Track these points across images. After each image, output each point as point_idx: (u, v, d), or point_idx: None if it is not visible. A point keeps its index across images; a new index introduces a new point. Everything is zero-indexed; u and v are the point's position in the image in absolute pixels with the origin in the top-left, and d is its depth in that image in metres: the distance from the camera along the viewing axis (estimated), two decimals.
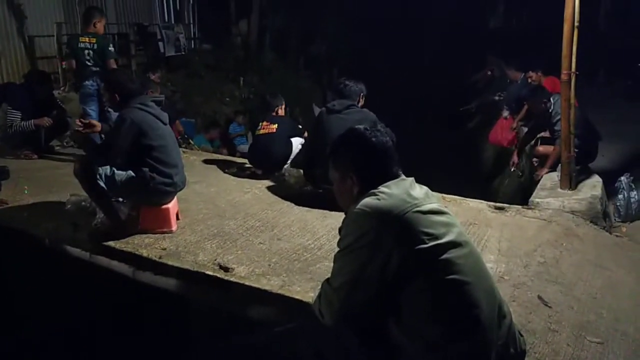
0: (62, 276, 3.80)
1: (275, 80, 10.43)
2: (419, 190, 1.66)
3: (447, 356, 1.45)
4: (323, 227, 3.71)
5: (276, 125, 4.83)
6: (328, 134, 3.99)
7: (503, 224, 3.80)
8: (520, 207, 4.22)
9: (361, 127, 1.75)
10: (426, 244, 1.51)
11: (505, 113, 7.28)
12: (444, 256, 1.51)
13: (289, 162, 4.87)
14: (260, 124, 4.92)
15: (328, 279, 1.66)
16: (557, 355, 2.35)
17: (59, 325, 3.72)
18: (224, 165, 5.28)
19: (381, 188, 1.61)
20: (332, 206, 4.00)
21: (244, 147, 7.69)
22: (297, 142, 4.88)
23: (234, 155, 6.77)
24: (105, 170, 3.29)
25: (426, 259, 1.51)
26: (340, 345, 1.57)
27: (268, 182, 4.69)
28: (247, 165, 5.16)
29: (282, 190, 4.47)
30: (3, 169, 4.24)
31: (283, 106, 5.07)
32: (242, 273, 3.00)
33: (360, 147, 1.71)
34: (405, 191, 1.61)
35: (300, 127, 5.03)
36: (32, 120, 5.01)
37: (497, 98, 8.54)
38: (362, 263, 1.54)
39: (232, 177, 4.92)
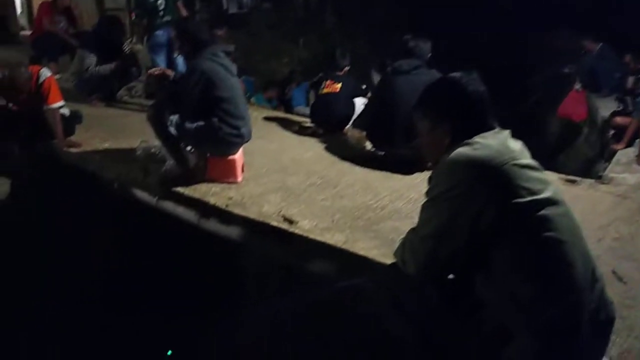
0: (128, 220, 3.95)
1: (333, 43, 10.27)
2: (515, 144, 1.58)
3: (537, 316, 1.40)
4: (385, 188, 3.67)
5: (340, 84, 4.76)
6: (394, 95, 3.91)
7: (575, 196, 3.64)
8: (593, 181, 4.04)
9: (456, 74, 1.67)
10: (524, 198, 1.44)
11: (578, 86, 6.94)
12: (541, 212, 1.45)
13: (351, 122, 4.82)
14: (324, 82, 4.86)
15: (414, 228, 1.62)
16: (632, 330, 2.27)
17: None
18: (285, 123, 5.28)
19: (476, 138, 1.54)
20: (394, 168, 3.97)
21: (301, 109, 7.67)
22: (359, 103, 4.80)
23: None
24: (176, 117, 3.35)
25: (523, 214, 1.44)
26: (422, 297, 1.55)
27: (329, 142, 4.66)
28: (308, 124, 5.14)
29: (343, 150, 4.43)
30: (76, 113, 4.40)
31: (348, 68, 4.99)
32: (306, 227, 3.02)
33: (454, 95, 1.64)
34: (503, 143, 1.54)
35: (363, 87, 4.94)
36: (105, 65, 5.14)
37: (567, 70, 8.13)
38: (452, 214, 1.49)
39: (294, 135, 4.92)
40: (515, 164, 1.49)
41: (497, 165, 1.47)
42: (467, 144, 1.53)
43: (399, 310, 1.60)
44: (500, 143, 1.54)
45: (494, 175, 1.47)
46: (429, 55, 4.08)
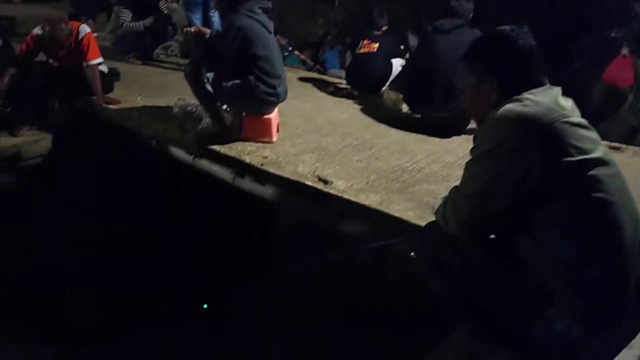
0: (165, 177, 4.02)
1: (369, 4, 10.02)
2: (566, 102, 1.52)
3: (582, 278, 1.37)
4: (422, 151, 3.62)
5: (377, 44, 4.66)
6: (433, 56, 3.80)
7: (619, 164, 3.51)
8: (637, 148, 3.88)
9: (506, 27, 1.59)
10: (573, 157, 1.39)
11: (625, 51, 6.60)
12: (591, 172, 1.40)
13: (387, 83, 4.73)
14: (361, 42, 4.76)
15: (456, 186, 1.59)
16: None
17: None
18: (320, 84, 5.23)
19: (526, 95, 1.48)
20: (431, 131, 3.90)
21: (335, 72, 7.57)
22: (397, 64, 4.70)
23: None
24: (213, 75, 3.35)
25: (572, 173, 1.39)
26: (463, 256, 1.53)
27: (365, 103, 4.60)
28: (343, 86, 5.08)
29: (379, 112, 4.37)
30: (114, 70, 4.44)
31: (386, 27, 4.87)
32: (341, 187, 3.01)
33: (503, 49, 1.57)
34: (553, 100, 1.48)
35: (402, 47, 4.82)
36: (141, 22, 5.16)
37: (614, 35, 7.74)
38: (498, 172, 1.44)
39: (329, 96, 4.87)
40: (566, 122, 1.43)
41: (548, 122, 1.42)
42: (516, 100, 1.48)
43: (438, 269, 1.59)
44: (550, 100, 1.48)
45: (544, 133, 1.41)
46: (471, 14, 3.93)
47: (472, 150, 1.56)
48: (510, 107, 1.47)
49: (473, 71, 1.62)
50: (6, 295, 3.35)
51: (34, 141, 3.87)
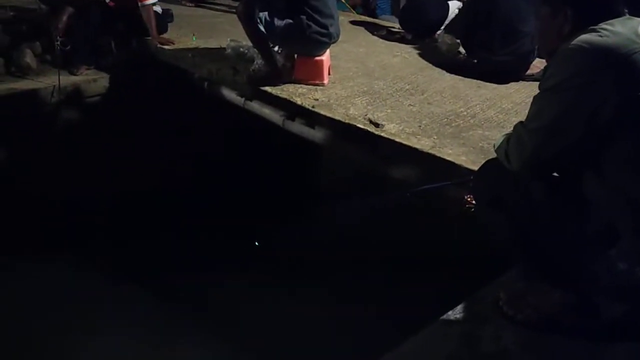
0: (218, 117, 4.08)
1: None
2: None
3: None
4: (477, 97, 3.51)
5: None
6: None
7: None
8: None
9: None
10: None
11: None
12: None
13: (443, 27, 4.55)
14: None
15: (521, 121, 1.53)
16: None
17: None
18: (371, 28, 5.11)
19: (603, 25, 1.39)
20: (487, 77, 3.77)
21: (387, 17, 7.34)
22: (454, 6, 4.50)
23: None
24: (265, 15, 3.30)
25: None
26: (524, 193, 1.49)
27: (419, 48, 4.47)
28: (395, 29, 4.94)
29: (433, 57, 4.25)
30: (168, 11, 4.46)
31: None
32: (392, 130, 2.97)
33: None
34: (634, 31, 1.38)
35: None
36: None
37: None
38: (569, 106, 1.38)
39: (380, 40, 4.76)
40: None
41: (626, 53, 1.33)
42: (592, 31, 1.39)
43: (496, 207, 1.56)
44: (630, 30, 1.38)
45: (622, 64, 1.33)
46: None
47: (540, 85, 1.49)
48: (585, 37, 1.38)
49: (547, 1, 1.53)
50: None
51: (92, 80, 3.97)
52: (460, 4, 4.52)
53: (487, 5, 3.70)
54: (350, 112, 3.18)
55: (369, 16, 7.79)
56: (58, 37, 3.80)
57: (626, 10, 1.45)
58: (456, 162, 2.66)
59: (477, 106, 3.36)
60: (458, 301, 1.67)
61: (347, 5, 7.84)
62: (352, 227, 3.32)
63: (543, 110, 1.44)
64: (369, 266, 3.32)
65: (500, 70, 3.68)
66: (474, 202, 1.79)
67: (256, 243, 2.90)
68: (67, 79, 3.85)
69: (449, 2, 4.49)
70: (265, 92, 3.43)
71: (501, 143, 1.58)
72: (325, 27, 3.35)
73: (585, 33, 1.40)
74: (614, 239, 1.36)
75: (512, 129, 1.58)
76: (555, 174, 1.52)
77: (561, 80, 1.40)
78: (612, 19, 1.41)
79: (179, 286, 3.44)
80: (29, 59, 3.87)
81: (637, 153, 1.33)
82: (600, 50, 1.35)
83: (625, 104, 1.32)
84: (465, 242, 2.56)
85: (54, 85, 3.73)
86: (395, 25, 5.02)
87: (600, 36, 1.37)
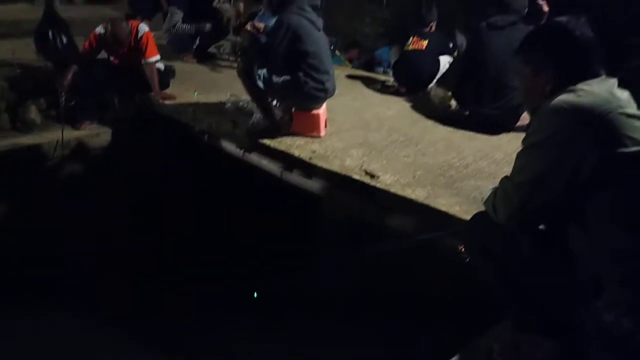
0: (217, 169, 4.16)
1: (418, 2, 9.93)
2: (622, 93, 1.51)
3: (633, 269, 1.36)
4: (469, 148, 3.60)
5: (426, 41, 4.65)
6: (486, 52, 3.78)
7: None
8: None
9: (563, 18, 1.60)
10: (629, 148, 1.39)
11: None
12: None
13: (435, 80, 4.71)
14: (411, 38, 4.76)
15: (507, 175, 1.61)
16: None
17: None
18: (367, 81, 5.28)
19: (581, 85, 1.48)
20: (479, 128, 3.87)
21: (378, 69, 7.57)
22: (445, 61, 4.68)
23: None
24: (264, 71, 3.44)
25: (626, 165, 1.39)
26: (511, 245, 1.54)
27: (412, 100, 4.61)
28: (390, 83, 5.10)
29: (426, 109, 4.38)
30: (171, 67, 4.63)
31: (435, 22, 4.85)
32: (388, 181, 3.05)
33: (560, 39, 1.57)
34: (609, 91, 1.47)
35: (451, 45, 4.79)
36: (193, 24, 5.34)
37: None
38: (551, 162, 1.46)
39: (376, 93, 4.91)
40: (621, 113, 1.43)
41: (602, 113, 1.42)
42: (571, 91, 1.48)
43: (486, 259, 1.61)
44: (606, 91, 1.48)
45: (599, 123, 1.42)
46: (526, 10, 3.88)
47: (524, 140, 1.57)
48: (564, 97, 1.48)
49: (529, 61, 1.64)
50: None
51: (95, 134, 4.09)
52: (450, 59, 4.69)
53: (476, 61, 3.85)
54: (347, 163, 3.26)
55: (365, 70, 8.05)
56: (63, 94, 3.93)
57: (602, 71, 1.55)
58: (450, 212, 2.72)
59: (470, 157, 3.45)
60: (453, 352, 1.69)
61: (344, 59, 8.14)
62: (349, 277, 3.35)
63: (527, 166, 1.52)
64: (365, 316, 3.32)
65: (491, 122, 3.79)
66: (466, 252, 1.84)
67: (254, 294, 2.91)
68: (70, 134, 3.96)
69: (440, 57, 4.66)
70: (264, 144, 3.53)
71: (489, 196, 1.65)
72: (321, 82, 3.48)
73: (564, 93, 1.49)
74: (600, 290, 1.40)
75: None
76: (541, 227, 1.58)
77: (543, 137, 1.48)
78: (590, 79, 1.51)
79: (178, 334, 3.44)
80: (34, 114, 3.99)
81: (617, 207, 1.39)
82: (578, 110, 1.44)
83: (605, 161, 1.39)
84: (460, 292, 2.58)
85: (57, 140, 3.82)
86: (389, 78, 5.19)
87: (578, 96, 1.46)
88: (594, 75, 1.52)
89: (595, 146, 1.41)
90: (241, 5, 5.49)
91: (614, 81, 1.53)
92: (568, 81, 1.51)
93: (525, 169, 1.52)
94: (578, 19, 1.57)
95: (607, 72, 1.55)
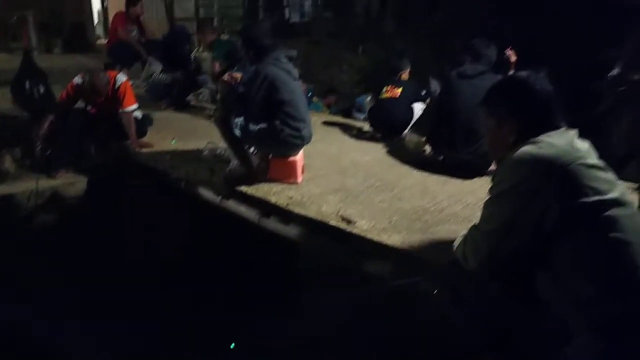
0: (195, 217, 4.13)
1: (393, 50, 10.27)
2: (582, 144, 1.58)
3: (599, 316, 1.39)
4: (443, 192, 3.67)
5: (400, 89, 4.80)
6: (457, 100, 3.91)
7: None
8: None
9: (524, 73, 1.69)
10: (590, 197, 1.44)
11: None
12: (607, 213, 1.44)
13: (409, 127, 4.83)
14: (385, 87, 4.91)
15: (475, 224, 1.65)
16: None
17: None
18: (343, 128, 5.38)
19: (542, 137, 1.55)
20: (453, 173, 3.96)
21: (359, 115, 7.74)
22: (418, 108, 4.82)
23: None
24: (241, 120, 3.50)
25: (588, 214, 1.44)
26: (481, 292, 1.57)
27: (388, 146, 4.70)
28: (366, 129, 5.21)
29: (401, 155, 4.47)
30: (148, 116, 4.67)
31: (408, 70, 5.02)
32: (364, 227, 3.07)
33: (521, 93, 1.65)
34: (569, 142, 1.54)
35: (424, 92, 4.95)
36: (170, 74, 5.43)
37: (638, 77, 7.73)
38: (515, 211, 1.50)
39: (352, 139, 5.01)
40: (581, 164, 1.49)
41: (563, 164, 1.48)
42: (533, 143, 1.55)
43: (458, 305, 1.63)
44: (566, 142, 1.54)
45: (560, 174, 1.47)
46: (494, 60, 4.04)
47: (490, 190, 1.62)
48: (526, 149, 1.54)
49: (492, 114, 1.71)
50: None
51: (70, 183, 4.05)
52: (424, 106, 4.83)
53: (450, 107, 3.97)
54: (323, 209, 3.29)
55: (343, 116, 8.22)
56: (38, 143, 3.92)
57: (563, 123, 1.62)
58: (425, 257, 2.75)
59: (444, 201, 3.51)
60: None
61: (322, 105, 8.32)
62: (325, 323, 3.31)
63: (494, 214, 1.56)
64: None
65: (465, 167, 3.88)
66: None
67: (231, 345, 2.86)
68: (45, 183, 3.92)
69: (414, 105, 4.80)
70: (241, 191, 3.55)
71: (459, 244, 1.69)
72: (297, 129, 3.54)
73: (527, 145, 1.55)
74: (569, 336, 1.42)
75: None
76: (510, 274, 1.61)
77: (508, 187, 1.53)
78: (551, 131, 1.58)
79: None
80: (8, 164, 3.96)
81: (581, 255, 1.43)
82: (540, 162, 1.50)
83: (567, 211, 1.44)
84: (433, 337, 2.57)
85: (31, 190, 3.78)
86: (365, 124, 5.30)
87: (540, 148, 1.52)
88: (555, 127, 1.60)
89: (558, 197, 1.46)
90: (217, 65, 5.57)
91: (574, 132, 1.60)
92: (530, 133, 1.57)
93: (493, 217, 1.57)
94: (537, 74, 1.65)
95: (573, 119, 1.63)
